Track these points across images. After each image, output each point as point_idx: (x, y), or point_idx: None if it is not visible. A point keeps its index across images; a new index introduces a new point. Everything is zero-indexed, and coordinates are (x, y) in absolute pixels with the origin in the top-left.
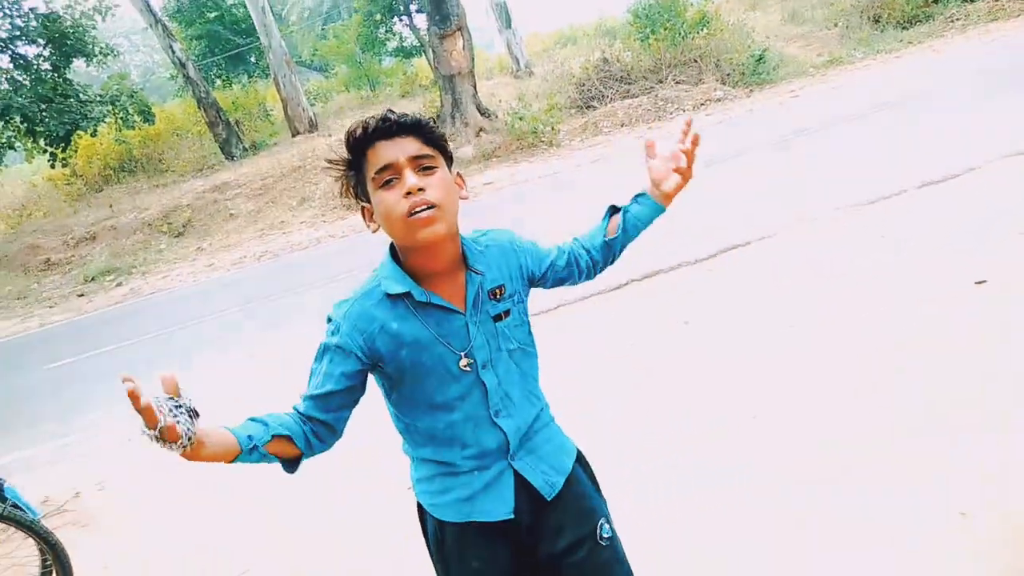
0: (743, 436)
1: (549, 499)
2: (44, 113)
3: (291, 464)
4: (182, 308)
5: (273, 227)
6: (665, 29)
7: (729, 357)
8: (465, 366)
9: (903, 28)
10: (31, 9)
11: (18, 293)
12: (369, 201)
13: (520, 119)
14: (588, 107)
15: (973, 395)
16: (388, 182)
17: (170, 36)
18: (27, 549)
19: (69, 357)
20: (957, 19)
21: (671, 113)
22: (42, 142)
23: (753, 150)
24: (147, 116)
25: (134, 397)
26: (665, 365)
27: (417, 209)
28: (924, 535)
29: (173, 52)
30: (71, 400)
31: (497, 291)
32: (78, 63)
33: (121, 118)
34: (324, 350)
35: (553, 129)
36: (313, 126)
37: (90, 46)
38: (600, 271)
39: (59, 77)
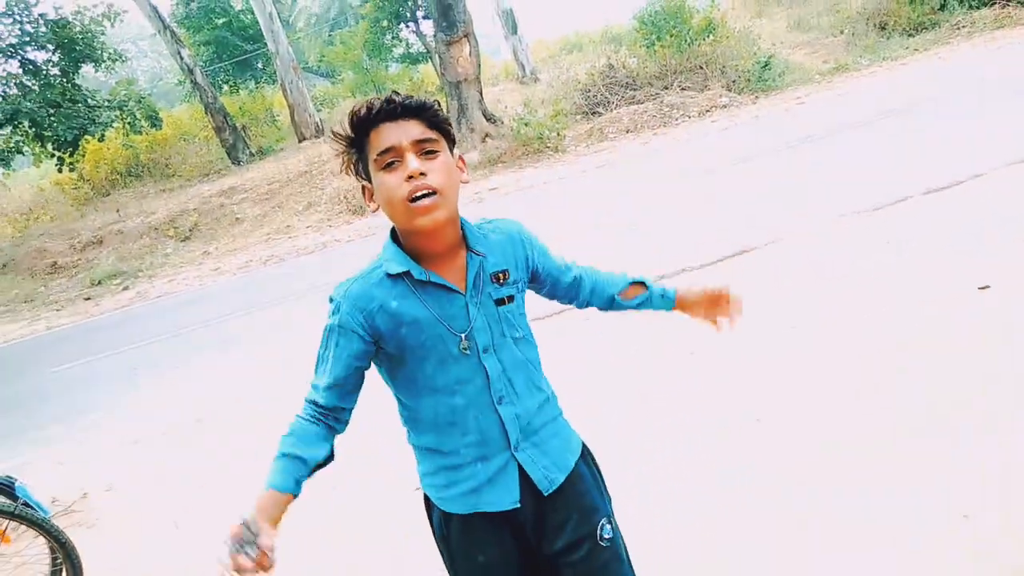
0: (745, 438)
1: (546, 494)
2: (52, 118)
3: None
4: (188, 312)
5: (279, 231)
6: (671, 36)
7: (732, 359)
8: (464, 348)
9: (909, 35)
10: (41, 15)
11: (25, 296)
12: (370, 180)
13: (526, 125)
14: (594, 113)
15: (975, 397)
16: (390, 164)
17: (178, 42)
18: (38, 548)
19: (76, 360)
20: (963, 26)
21: (676, 119)
22: (50, 147)
23: (758, 156)
24: (154, 121)
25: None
26: (668, 368)
27: (418, 194)
28: (926, 536)
29: (181, 58)
30: (78, 403)
31: (501, 275)
32: (86, 68)
33: (129, 123)
34: (328, 332)
35: (559, 135)
36: (319, 131)
37: (99, 52)
38: (586, 308)
39: (67, 82)
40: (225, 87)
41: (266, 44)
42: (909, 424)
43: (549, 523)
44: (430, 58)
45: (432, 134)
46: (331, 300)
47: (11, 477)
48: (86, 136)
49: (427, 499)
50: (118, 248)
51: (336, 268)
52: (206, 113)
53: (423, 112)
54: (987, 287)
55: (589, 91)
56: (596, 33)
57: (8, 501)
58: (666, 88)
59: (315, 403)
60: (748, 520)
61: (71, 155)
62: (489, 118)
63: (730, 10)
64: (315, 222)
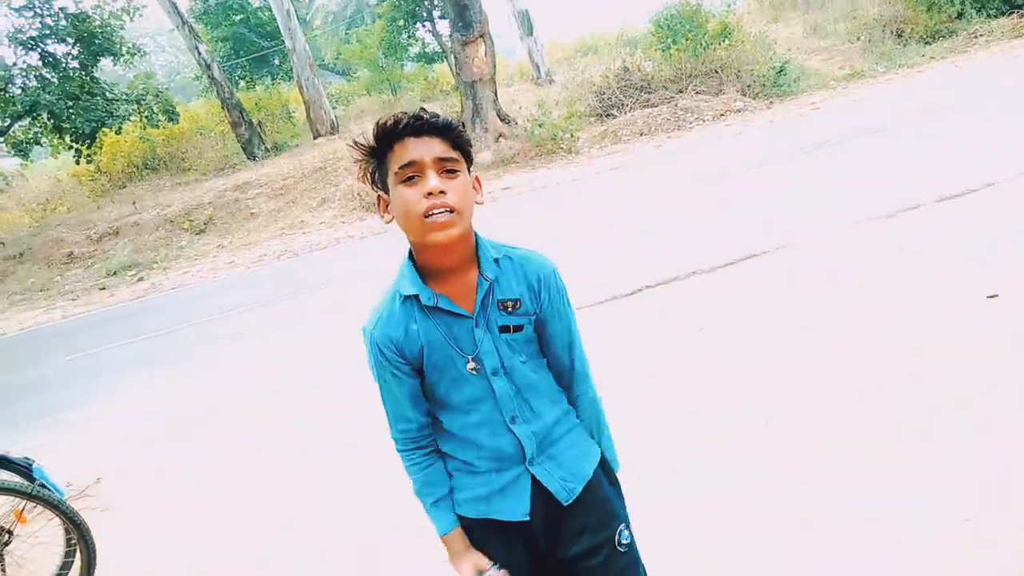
0: (751, 438)
1: (566, 504)
2: (71, 110)
3: None
4: (202, 304)
5: (293, 227)
6: (687, 39)
7: (741, 361)
8: (472, 369)
9: (926, 43)
10: (61, 8)
11: (41, 285)
12: (387, 191)
13: (540, 126)
14: (608, 115)
15: (979, 400)
16: (410, 179)
17: (196, 38)
18: (53, 529)
19: (91, 348)
20: (981, 35)
21: (690, 123)
22: (68, 138)
23: (773, 161)
24: (171, 115)
25: None
26: (677, 369)
27: (435, 211)
28: (928, 536)
29: (199, 53)
30: (93, 390)
31: (510, 304)
32: (105, 62)
33: (146, 117)
34: (377, 370)
35: (572, 136)
36: (334, 128)
37: (118, 46)
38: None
39: (86, 75)
40: (242, 83)
41: (283, 41)
42: (914, 425)
43: (567, 529)
44: (445, 58)
45: (454, 154)
46: (365, 334)
47: (29, 459)
48: (104, 129)
49: None
50: (134, 240)
51: (349, 265)
52: (222, 108)
53: (448, 131)
54: (995, 296)
55: (603, 93)
56: (612, 35)
57: (26, 482)
58: (681, 92)
59: (407, 436)
60: (750, 519)
61: (89, 147)
62: (503, 118)
63: (746, 14)
64: (328, 218)
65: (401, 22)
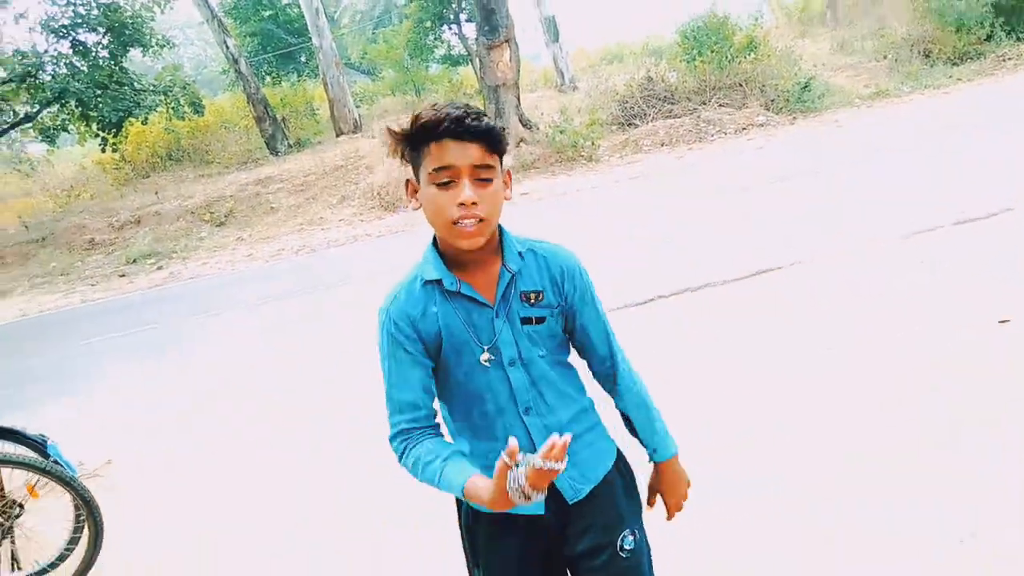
0: (772, 448)
1: (571, 503)
2: (99, 99)
3: None
4: (219, 295)
5: (312, 223)
6: (712, 52)
7: (762, 373)
8: (485, 360)
9: (953, 64)
10: None
11: (62, 270)
12: (416, 173)
13: (561, 132)
14: (629, 124)
15: (1002, 415)
16: (445, 183)
17: (225, 32)
18: (63, 505)
19: (108, 333)
20: (1009, 58)
21: (712, 135)
22: (94, 127)
23: (794, 176)
24: (197, 108)
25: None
26: (694, 378)
27: (464, 220)
28: (948, 549)
29: (227, 47)
30: (108, 374)
31: (532, 295)
32: (134, 52)
33: (172, 108)
34: (389, 347)
35: (593, 144)
36: (357, 127)
37: (147, 37)
38: (595, 378)
39: (115, 65)
40: (268, 78)
41: (310, 38)
42: (934, 438)
43: (572, 528)
44: (470, 61)
45: (490, 159)
46: (381, 312)
47: (44, 435)
48: (130, 118)
49: None
50: (154, 229)
51: (366, 263)
52: (248, 103)
53: (488, 137)
54: (1007, 321)
55: (626, 102)
56: (637, 44)
57: (40, 457)
58: (704, 103)
59: (414, 424)
60: (771, 529)
61: (115, 136)
62: (525, 123)
63: (774, 29)
64: (348, 216)
65: (428, 23)
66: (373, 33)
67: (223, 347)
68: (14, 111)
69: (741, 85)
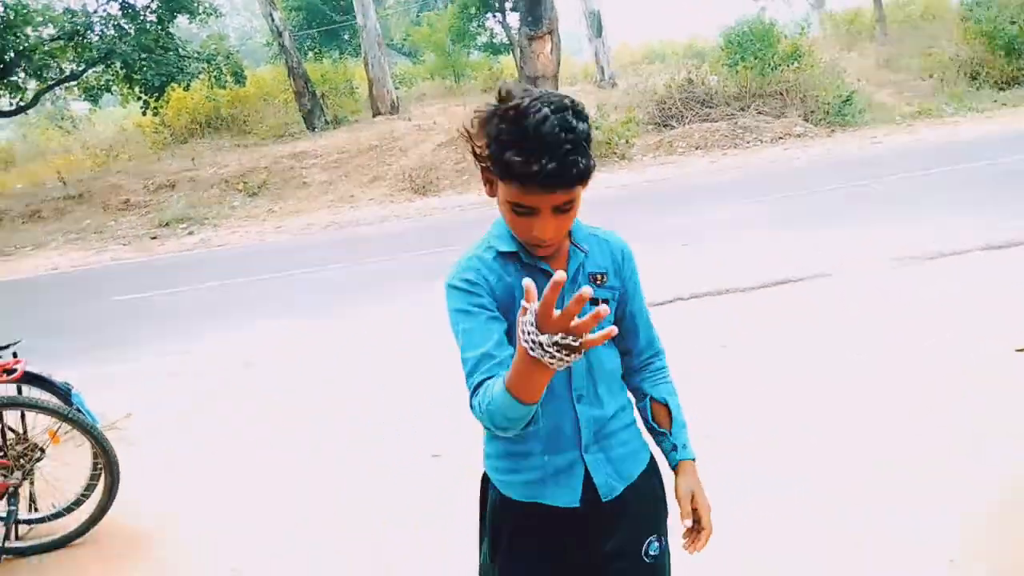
0: (801, 451)
1: (604, 500)
2: (143, 62)
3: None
4: (246, 264)
5: (343, 200)
6: (755, 58)
7: (793, 377)
8: None
9: (1000, 89)
10: None
11: (96, 227)
12: (490, 168)
13: (596, 128)
14: (665, 125)
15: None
16: (523, 212)
17: (271, 4)
18: (82, 453)
19: (137, 292)
20: None
21: (748, 142)
22: (137, 89)
23: (824, 190)
24: (239, 78)
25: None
26: (723, 378)
27: (538, 244)
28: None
29: (272, 20)
30: (133, 331)
31: (600, 276)
32: (181, 19)
33: (214, 77)
34: (466, 306)
35: (628, 142)
36: (395, 108)
37: (195, 4)
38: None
39: (162, 30)
40: (310, 54)
41: (355, 17)
42: (962, 446)
43: (599, 528)
44: (512, 50)
45: (575, 192)
46: (453, 277)
47: (68, 384)
48: (173, 84)
49: (485, 476)
50: (188, 195)
51: (394, 242)
52: (288, 77)
53: (580, 182)
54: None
55: (664, 103)
56: (680, 45)
57: (63, 404)
58: (743, 110)
59: (488, 375)
60: (800, 530)
61: (156, 100)
62: None
63: (820, 39)
64: (378, 196)
65: (473, 10)
66: (417, 16)
67: (250, 314)
68: (60, 68)
69: (782, 94)
